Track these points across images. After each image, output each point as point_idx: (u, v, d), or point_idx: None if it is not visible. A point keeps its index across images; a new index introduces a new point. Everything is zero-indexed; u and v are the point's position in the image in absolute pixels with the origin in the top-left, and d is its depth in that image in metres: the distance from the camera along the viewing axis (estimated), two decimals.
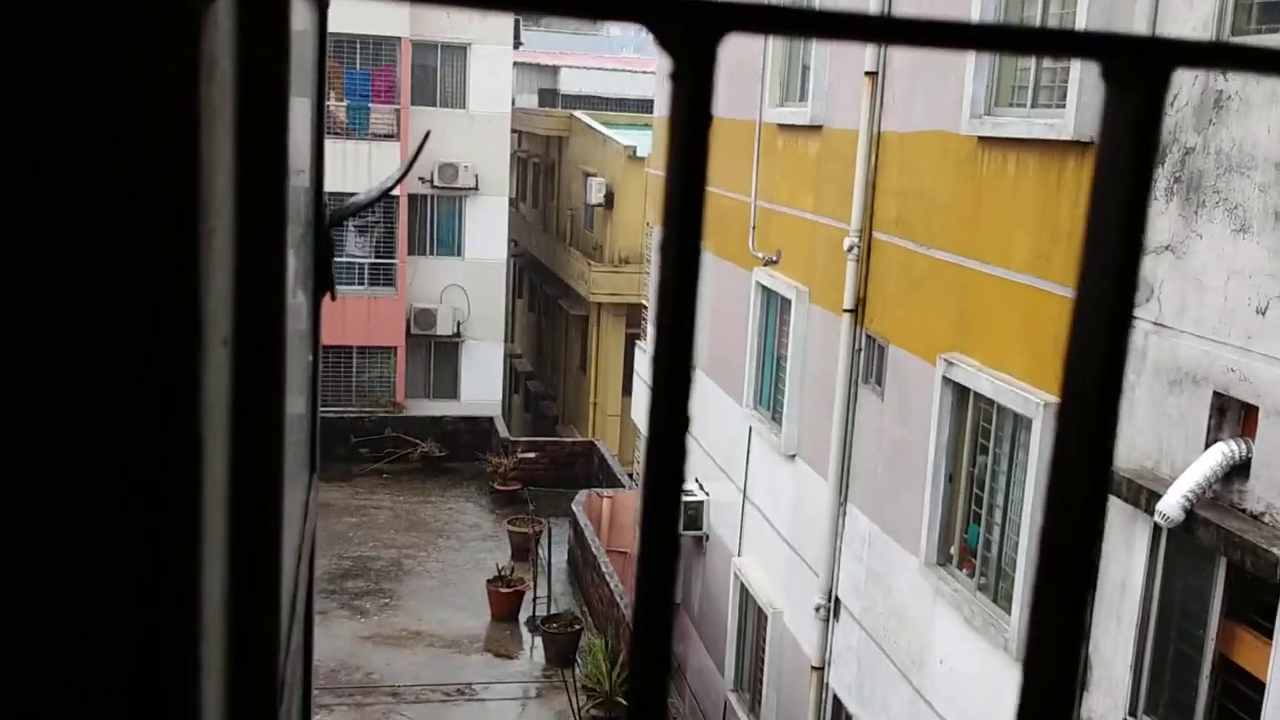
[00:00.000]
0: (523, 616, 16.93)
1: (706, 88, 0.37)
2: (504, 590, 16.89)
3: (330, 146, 27.67)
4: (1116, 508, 6.73)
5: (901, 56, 9.74)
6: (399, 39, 24.61)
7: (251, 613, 0.61)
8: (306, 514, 1.07)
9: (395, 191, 24.55)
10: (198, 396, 0.41)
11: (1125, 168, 0.38)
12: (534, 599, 16.74)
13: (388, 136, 24.64)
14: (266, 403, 0.58)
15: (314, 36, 1.23)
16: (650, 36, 0.37)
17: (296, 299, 1.08)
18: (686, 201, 0.38)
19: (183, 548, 0.43)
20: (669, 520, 0.42)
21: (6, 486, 0.43)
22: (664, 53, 0.36)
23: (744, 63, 13.01)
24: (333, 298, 1.28)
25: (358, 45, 24.56)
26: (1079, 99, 7.24)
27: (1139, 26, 6.70)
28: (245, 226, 0.54)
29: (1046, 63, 7.99)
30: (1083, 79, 7.22)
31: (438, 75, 25.55)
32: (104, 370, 0.41)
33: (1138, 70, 0.37)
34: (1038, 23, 7.98)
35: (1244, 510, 5.83)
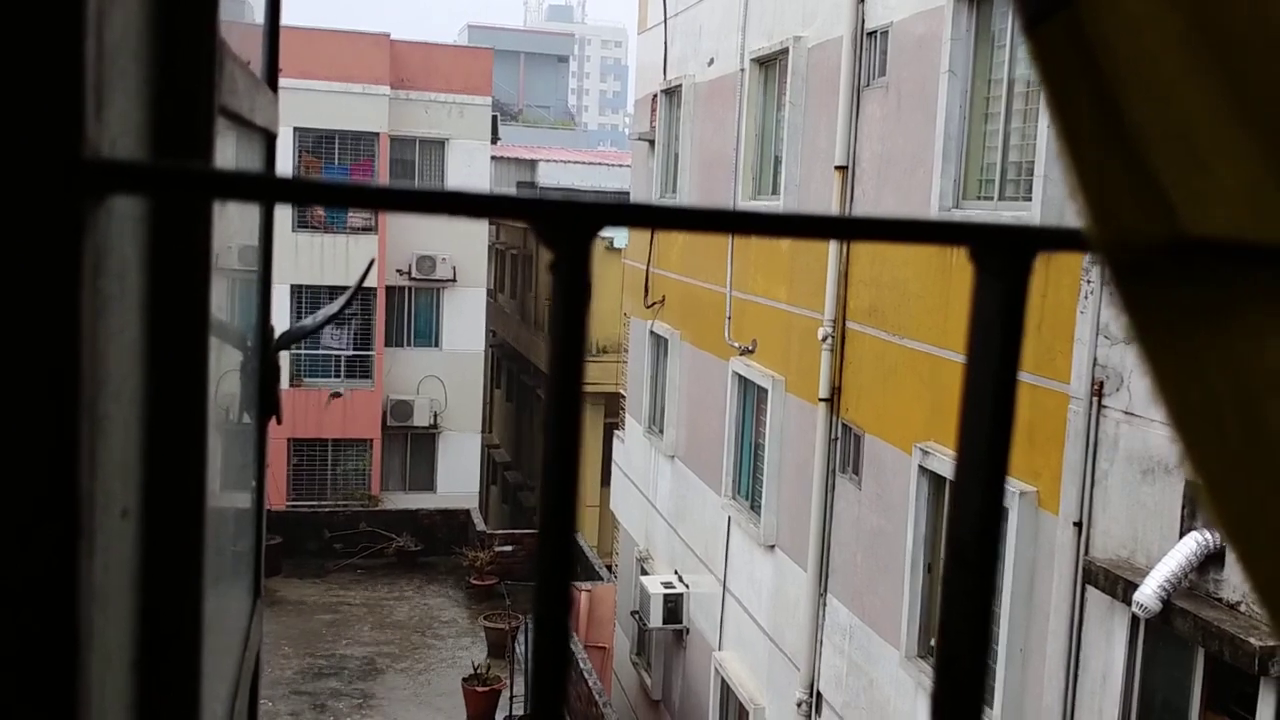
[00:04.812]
0: (500, 716, 16.58)
1: (583, 276, 0.38)
2: (480, 689, 16.56)
3: (309, 240, 27.57)
4: (1095, 598, 6.71)
5: (870, 152, 9.95)
6: (377, 134, 24.97)
7: None
8: (247, 643, 1.06)
9: (373, 283, 24.67)
10: (74, 571, 0.41)
11: (996, 345, 0.39)
12: (511, 698, 16.42)
13: (365, 229, 24.83)
14: (180, 566, 0.58)
15: (261, 168, 1.25)
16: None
17: (241, 425, 1.08)
18: (566, 376, 0.39)
19: None
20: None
21: None
22: (544, 245, 0.38)
23: (718, 156, 13.25)
24: (278, 421, 1.28)
25: (336, 140, 24.89)
26: (1044, 191, 7.39)
27: None
28: (159, 398, 0.55)
29: (1012, 156, 8.18)
30: (1047, 174, 7.38)
31: (416, 169, 25.86)
32: None
33: (1003, 255, 0.39)
34: (1001, 140, 8.17)
35: (1220, 600, 5.81)
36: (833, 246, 10.24)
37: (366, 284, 24.23)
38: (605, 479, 24.46)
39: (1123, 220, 0.37)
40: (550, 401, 0.40)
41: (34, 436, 0.40)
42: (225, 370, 1.04)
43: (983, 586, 0.41)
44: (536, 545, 0.40)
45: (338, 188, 0.38)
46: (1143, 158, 0.36)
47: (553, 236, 0.37)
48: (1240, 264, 0.37)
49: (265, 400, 1.20)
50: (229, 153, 1.04)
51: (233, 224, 1.24)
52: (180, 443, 0.58)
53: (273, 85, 1.52)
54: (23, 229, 0.38)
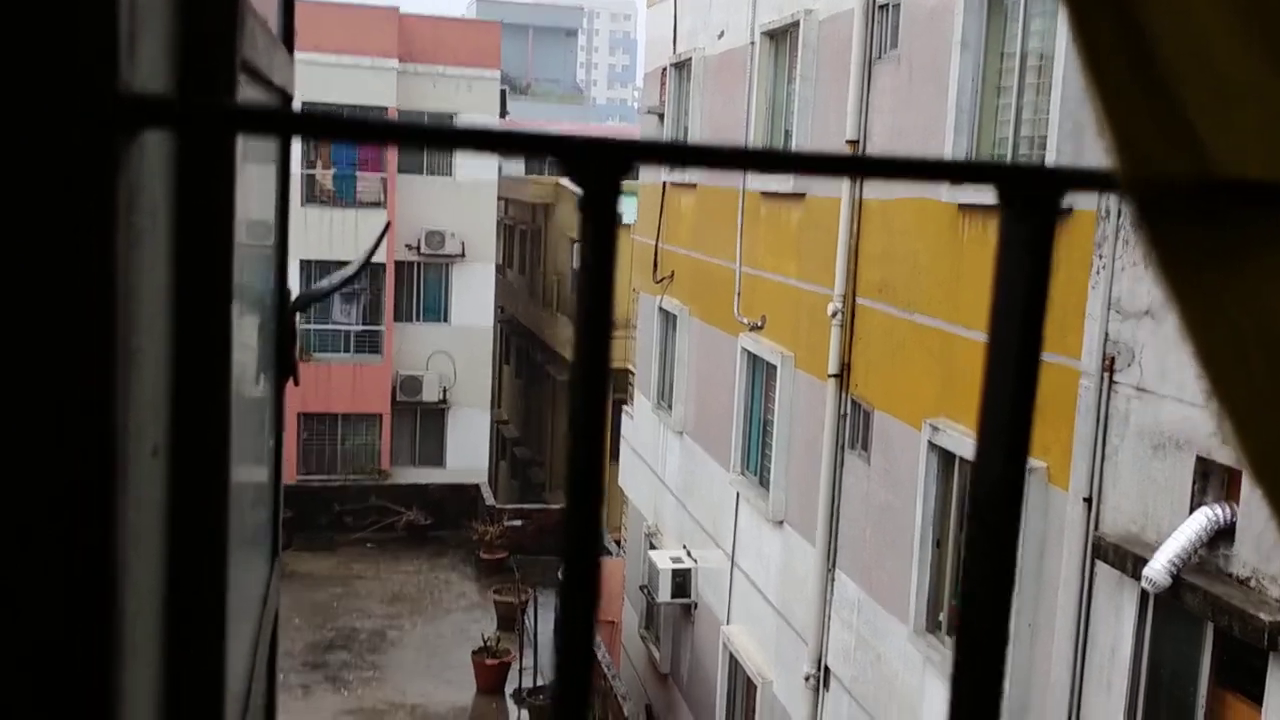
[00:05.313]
0: (509, 688, 16.69)
1: (612, 213, 0.38)
2: (490, 661, 16.67)
3: (318, 214, 27.56)
4: (1104, 573, 6.71)
5: (882, 125, 9.90)
6: (386, 109, 24.90)
7: None
8: (266, 601, 1.06)
9: (382, 258, 24.68)
10: (110, 508, 0.42)
11: (1022, 287, 0.39)
12: (520, 670, 16.53)
13: (374, 204, 24.83)
14: (207, 508, 0.58)
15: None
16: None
17: (259, 386, 1.08)
18: (596, 316, 0.39)
19: (99, 666, 0.43)
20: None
21: None
22: (574, 184, 0.38)
23: (727, 129, 13.19)
24: (295, 383, 1.29)
25: (344, 114, 24.81)
26: (1057, 165, 7.34)
27: None
28: (185, 335, 0.55)
29: (1025, 130, 8.13)
30: (1060, 147, 7.33)
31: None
32: (8, 490, 0.41)
33: (1032, 196, 0.39)
34: (1013, 114, 8.12)
35: (1230, 575, 5.81)
36: (843, 223, 10.20)
37: (375, 259, 24.24)
38: (614, 455, 24.51)
39: (1146, 149, 0.37)
40: (579, 346, 0.40)
41: (72, 370, 0.41)
42: (243, 333, 1.04)
43: (1003, 546, 0.42)
44: (565, 504, 0.40)
45: (360, 124, 0.38)
46: (1166, 84, 0.36)
47: (582, 174, 0.37)
48: (1257, 205, 0.37)
49: (282, 362, 1.21)
50: None
51: (249, 194, 1.25)
52: (205, 380, 0.58)
53: (289, 48, 1.52)
54: (61, 162, 0.39)
